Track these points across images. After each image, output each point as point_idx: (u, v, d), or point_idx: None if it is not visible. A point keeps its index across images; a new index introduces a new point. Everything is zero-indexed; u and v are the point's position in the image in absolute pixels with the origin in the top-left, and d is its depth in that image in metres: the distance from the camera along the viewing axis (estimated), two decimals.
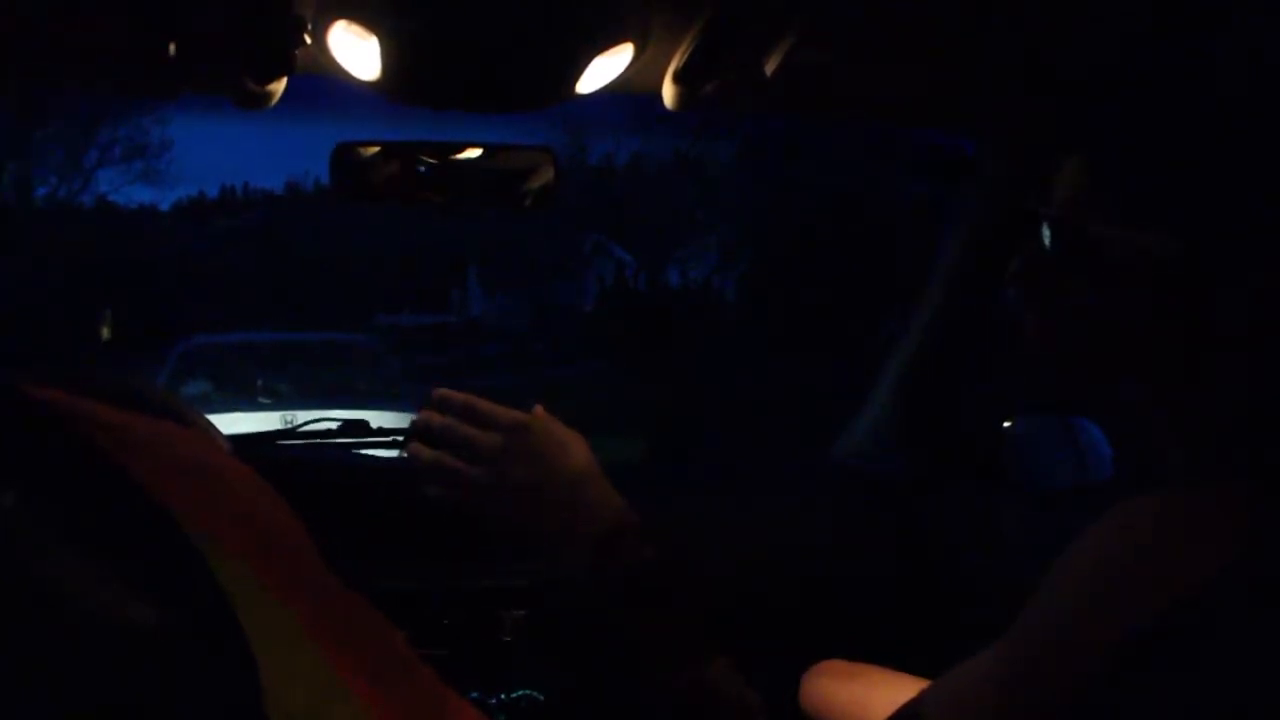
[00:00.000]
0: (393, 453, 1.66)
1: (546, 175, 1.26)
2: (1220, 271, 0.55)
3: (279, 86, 1.00)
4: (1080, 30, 0.94)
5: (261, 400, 5.69)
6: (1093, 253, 0.59)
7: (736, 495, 1.49)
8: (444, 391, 0.91)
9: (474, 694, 1.29)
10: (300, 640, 0.37)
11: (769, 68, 0.98)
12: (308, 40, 0.91)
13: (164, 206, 27.65)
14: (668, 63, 1.01)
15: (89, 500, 0.37)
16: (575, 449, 0.86)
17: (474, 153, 1.22)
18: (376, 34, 0.90)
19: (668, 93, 1.05)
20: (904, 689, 1.07)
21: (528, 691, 1.30)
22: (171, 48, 0.90)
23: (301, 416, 2.27)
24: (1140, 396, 0.61)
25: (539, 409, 0.89)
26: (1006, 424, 1.42)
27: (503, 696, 1.30)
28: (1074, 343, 0.62)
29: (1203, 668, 0.50)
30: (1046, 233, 0.62)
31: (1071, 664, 0.52)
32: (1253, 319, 0.55)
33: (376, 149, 1.23)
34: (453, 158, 1.22)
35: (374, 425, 1.73)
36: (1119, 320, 0.59)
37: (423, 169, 1.22)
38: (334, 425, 1.72)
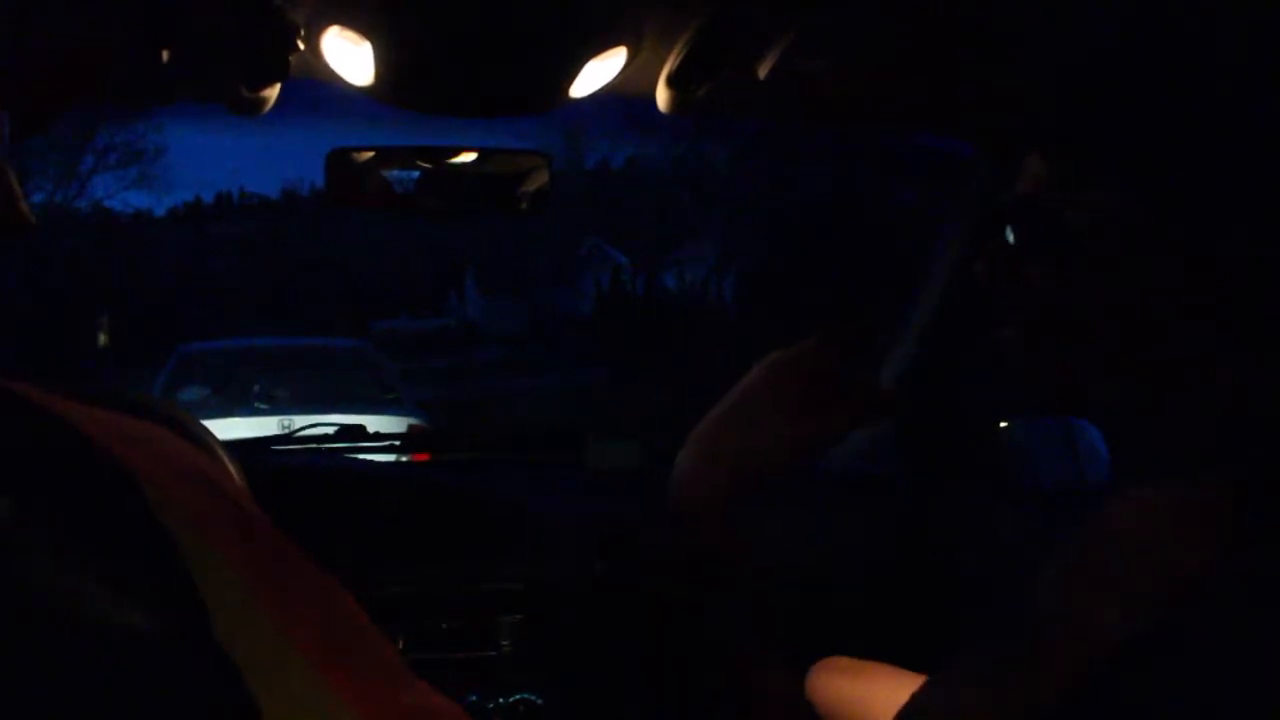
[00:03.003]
0: (390, 457, 1.66)
1: (541, 179, 1.27)
2: (1176, 242, 0.56)
3: (273, 92, 1.00)
4: (1056, 26, 0.94)
5: (259, 405, 5.68)
6: (1050, 230, 0.60)
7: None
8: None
9: (472, 697, 1.29)
10: (286, 651, 0.37)
11: (762, 72, 0.98)
12: (301, 46, 0.91)
13: (159, 212, 27.60)
14: (662, 66, 1.01)
15: (87, 504, 0.36)
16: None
17: (469, 157, 1.23)
18: (370, 39, 0.90)
19: (661, 96, 1.05)
20: (906, 685, 1.07)
21: (525, 695, 1.30)
22: (165, 54, 0.90)
23: (299, 421, 2.27)
24: (1120, 390, 0.61)
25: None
26: (1003, 425, 1.42)
27: (500, 700, 1.30)
28: (1044, 333, 0.62)
29: (1195, 662, 0.50)
30: (1009, 230, 0.63)
31: (1063, 660, 0.53)
32: (1221, 297, 0.56)
33: (371, 154, 1.23)
34: (447, 162, 1.23)
35: (371, 430, 1.73)
36: (1084, 304, 0.60)
37: (417, 173, 1.23)
38: (331, 430, 1.73)
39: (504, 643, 1.32)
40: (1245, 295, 0.57)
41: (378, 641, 0.42)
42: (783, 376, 0.75)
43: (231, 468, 0.49)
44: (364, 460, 1.60)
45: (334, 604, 0.41)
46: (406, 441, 1.70)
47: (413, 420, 5.32)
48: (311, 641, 0.38)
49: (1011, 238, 0.62)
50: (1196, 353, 0.58)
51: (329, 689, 0.37)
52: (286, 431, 1.85)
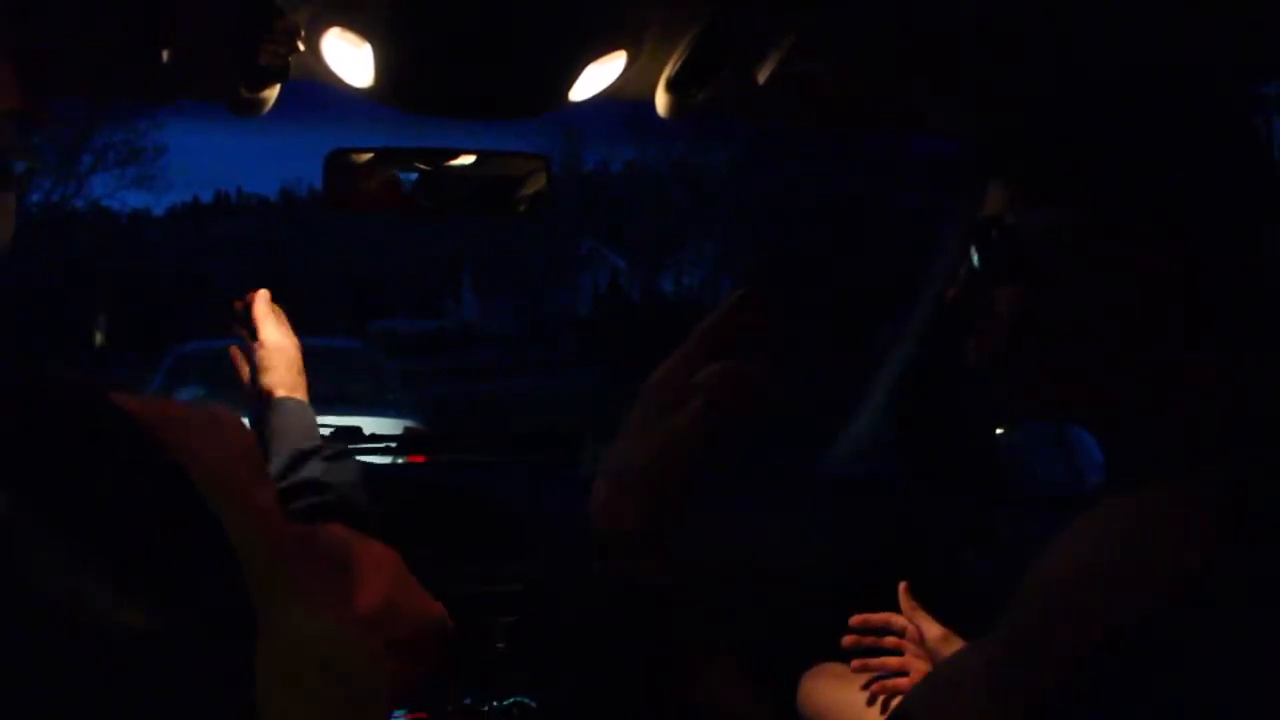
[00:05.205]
0: (386, 459, 1.66)
1: (539, 182, 1.27)
2: (1159, 247, 0.57)
3: (273, 93, 1.00)
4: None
5: None
6: (1013, 249, 0.61)
7: (734, 499, 1.49)
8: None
9: (466, 699, 1.29)
10: (318, 612, 0.39)
11: (761, 76, 0.98)
12: (301, 47, 0.91)
13: (158, 211, 27.61)
14: (661, 71, 1.01)
15: (138, 489, 0.37)
16: None
17: (467, 159, 1.23)
18: (370, 41, 0.90)
19: (660, 100, 1.05)
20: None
21: (520, 698, 1.30)
22: (166, 54, 0.90)
23: None
24: (1114, 394, 0.61)
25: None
26: (999, 431, 1.43)
27: (495, 703, 1.30)
28: (1015, 347, 0.63)
29: (1194, 661, 0.50)
30: (974, 253, 0.63)
31: (1055, 661, 0.53)
32: (1189, 300, 0.57)
33: (370, 155, 1.23)
34: (446, 164, 1.22)
35: (367, 431, 1.72)
36: (1060, 316, 0.60)
37: (416, 175, 1.23)
38: (327, 431, 1.72)
39: (499, 645, 1.32)
40: (1238, 297, 0.57)
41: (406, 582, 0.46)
42: (653, 386, 0.74)
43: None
44: (360, 462, 1.60)
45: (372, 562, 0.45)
46: (403, 443, 1.70)
47: (409, 422, 5.31)
48: (352, 611, 0.40)
49: (977, 260, 0.63)
50: (1191, 354, 0.58)
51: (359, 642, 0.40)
52: None
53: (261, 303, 1.07)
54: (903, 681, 1.04)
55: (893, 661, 1.06)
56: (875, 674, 1.07)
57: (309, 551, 0.44)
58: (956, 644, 1.02)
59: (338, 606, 0.43)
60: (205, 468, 0.39)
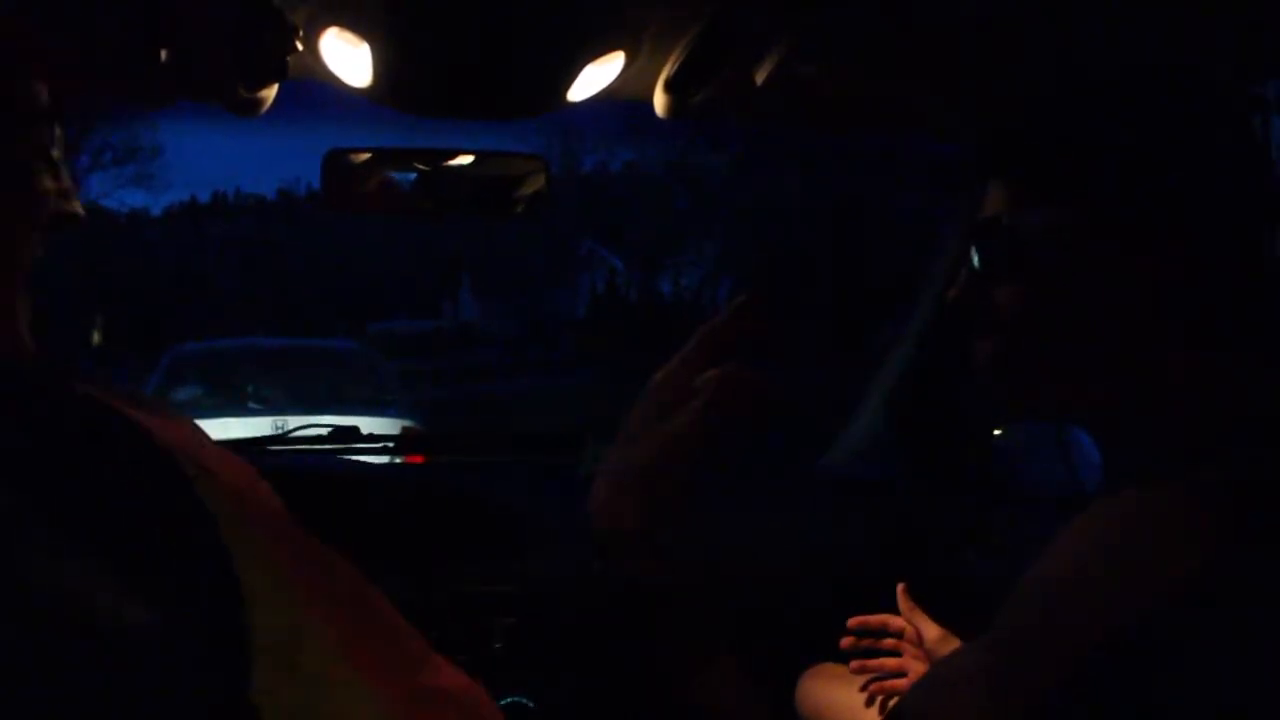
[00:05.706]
0: (383, 459, 1.66)
1: (538, 182, 1.27)
2: (1160, 246, 0.57)
3: (271, 93, 1.00)
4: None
5: (252, 406, 5.66)
6: (1013, 249, 0.61)
7: (733, 500, 1.49)
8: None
9: None
10: (316, 634, 0.39)
11: (759, 77, 0.98)
12: (300, 47, 0.91)
13: (155, 211, 27.58)
14: (659, 72, 1.01)
15: (139, 488, 0.37)
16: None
17: (466, 160, 1.23)
18: (368, 41, 0.90)
19: (659, 101, 1.05)
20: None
21: (518, 699, 1.30)
22: (164, 53, 0.89)
23: (293, 422, 2.27)
24: (1114, 394, 0.61)
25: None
26: (997, 433, 1.43)
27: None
28: (1017, 347, 0.63)
29: (1193, 662, 0.50)
30: (974, 254, 0.63)
31: (1054, 661, 0.53)
32: (1189, 300, 0.57)
33: (368, 155, 1.23)
34: (444, 164, 1.22)
35: (364, 431, 1.73)
36: (1059, 315, 0.60)
37: (414, 175, 1.23)
38: (325, 431, 1.72)
39: (496, 646, 1.32)
40: (1238, 297, 0.57)
41: (399, 627, 0.44)
42: (654, 388, 0.74)
43: None
44: (357, 461, 1.60)
45: (360, 593, 0.43)
46: (400, 443, 1.70)
47: (407, 422, 5.31)
48: (340, 627, 0.39)
49: (977, 261, 0.63)
50: (1191, 354, 0.58)
51: (352, 668, 0.39)
52: (280, 432, 1.85)
53: None
54: (901, 682, 1.04)
55: (891, 662, 1.06)
56: (874, 674, 1.07)
57: (355, 596, 0.44)
58: (955, 644, 1.02)
59: (387, 669, 0.42)
60: (209, 471, 0.39)
